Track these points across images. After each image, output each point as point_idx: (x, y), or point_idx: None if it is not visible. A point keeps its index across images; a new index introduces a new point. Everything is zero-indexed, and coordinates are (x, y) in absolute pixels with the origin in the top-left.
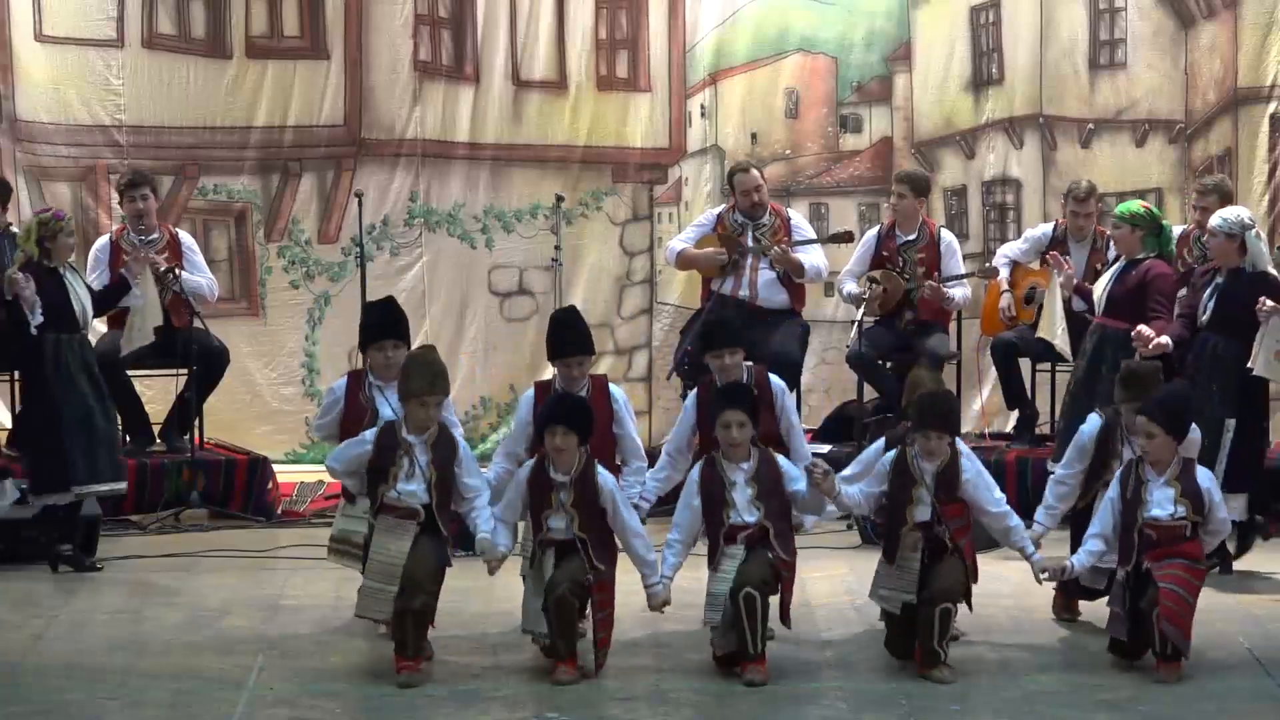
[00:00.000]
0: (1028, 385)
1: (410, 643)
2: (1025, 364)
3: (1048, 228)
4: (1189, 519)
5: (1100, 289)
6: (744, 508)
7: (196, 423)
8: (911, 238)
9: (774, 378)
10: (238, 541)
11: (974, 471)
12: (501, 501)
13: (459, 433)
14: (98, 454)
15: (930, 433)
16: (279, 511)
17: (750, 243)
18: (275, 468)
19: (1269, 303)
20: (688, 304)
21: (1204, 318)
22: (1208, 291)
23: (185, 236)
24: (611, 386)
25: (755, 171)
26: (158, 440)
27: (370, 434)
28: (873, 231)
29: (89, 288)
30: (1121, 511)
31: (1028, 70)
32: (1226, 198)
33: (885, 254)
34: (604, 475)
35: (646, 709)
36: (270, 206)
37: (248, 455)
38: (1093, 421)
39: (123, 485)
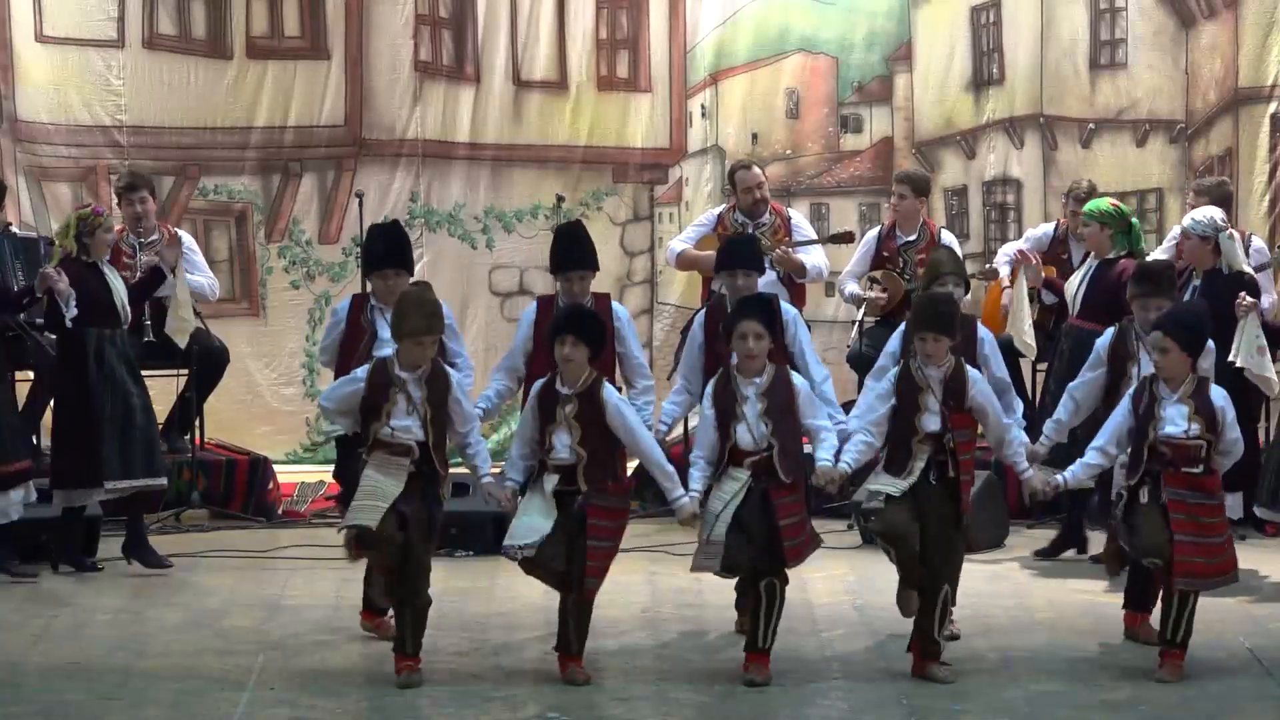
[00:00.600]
0: (1028, 385)
1: (410, 639)
2: (1025, 364)
3: (1049, 227)
4: (1203, 437)
5: (1073, 289)
6: (753, 423)
7: (197, 423)
8: (912, 238)
9: (786, 305)
10: (238, 542)
11: (981, 380)
12: (516, 433)
13: (455, 374)
14: (133, 449)
15: (926, 334)
16: (280, 512)
17: None
18: (276, 468)
19: (1248, 298)
20: (688, 304)
21: None
22: (1185, 295)
23: (185, 236)
24: (615, 304)
25: (757, 169)
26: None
27: (362, 371)
28: (873, 232)
29: (125, 280)
30: (1133, 429)
31: (1028, 70)
32: (1223, 201)
33: (886, 254)
34: (610, 391)
35: (648, 709)
36: (271, 207)
37: (248, 455)
38: (1108, 332)
39: (161, 481)
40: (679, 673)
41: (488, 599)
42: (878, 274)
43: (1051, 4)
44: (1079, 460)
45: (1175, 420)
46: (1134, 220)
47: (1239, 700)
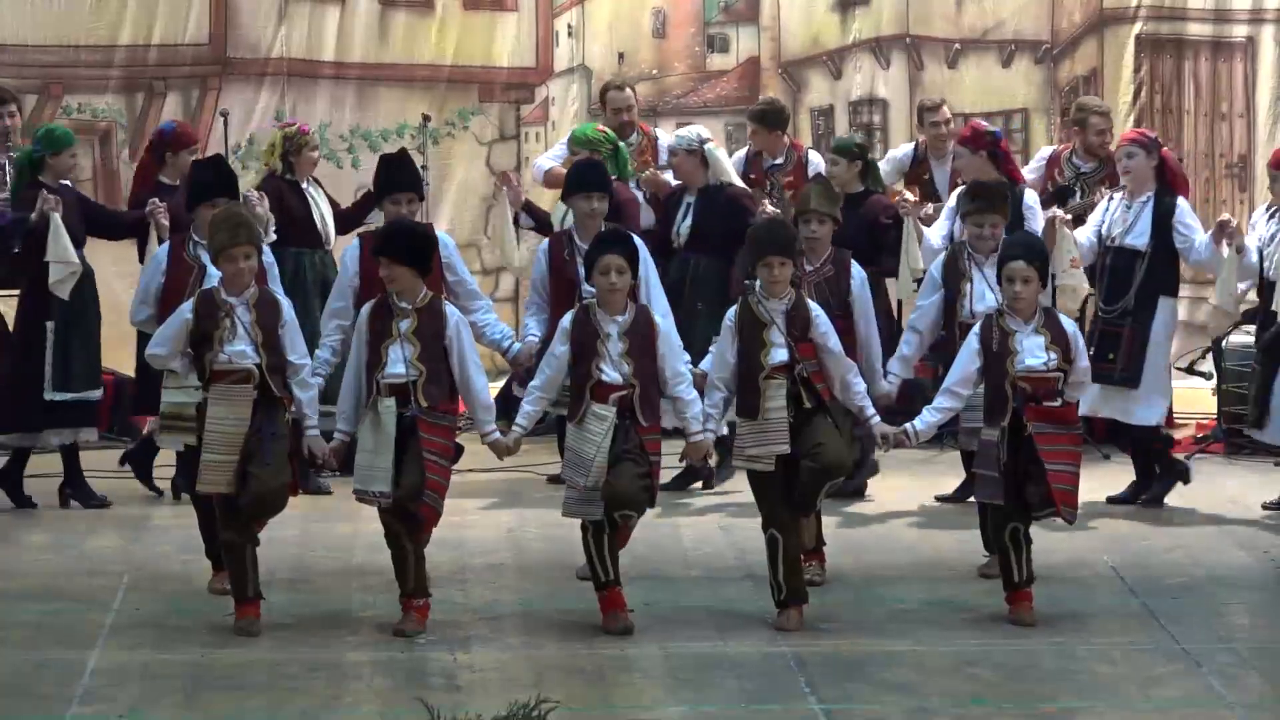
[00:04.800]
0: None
1: (252, 580)
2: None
3: (909, 148)
4: (1061, 367)
5: (677, 225)
6: (615, 361)
7: None
8: (779, 161)
9: (638, 239)
10: (102, 462)
11: (823, 315)
12: (345, 376)
13: (286, 302)
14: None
15: (771, 259)
16: (144, 432)
17: None
18: None
19: (909, 197)
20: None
21: (680, 240)
22: (680, 213)
23: None
24: (440, 233)
25: (629, 91)
26: None
27: (187, 305)
28: (741, 153)
29: (334, 203)
30: (986, 367)
31: None
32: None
33: (753, 178)
34: (451, 309)
35: (512, 626)
36: (135, 125)
37: (113, 376)
38: (940, 256)
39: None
40: (544, 594)
41: (354, 519)
42: None
43: None
44: (927, 407)
45: (1034, 352)
46: (621, 145)
47: (1101, 615)
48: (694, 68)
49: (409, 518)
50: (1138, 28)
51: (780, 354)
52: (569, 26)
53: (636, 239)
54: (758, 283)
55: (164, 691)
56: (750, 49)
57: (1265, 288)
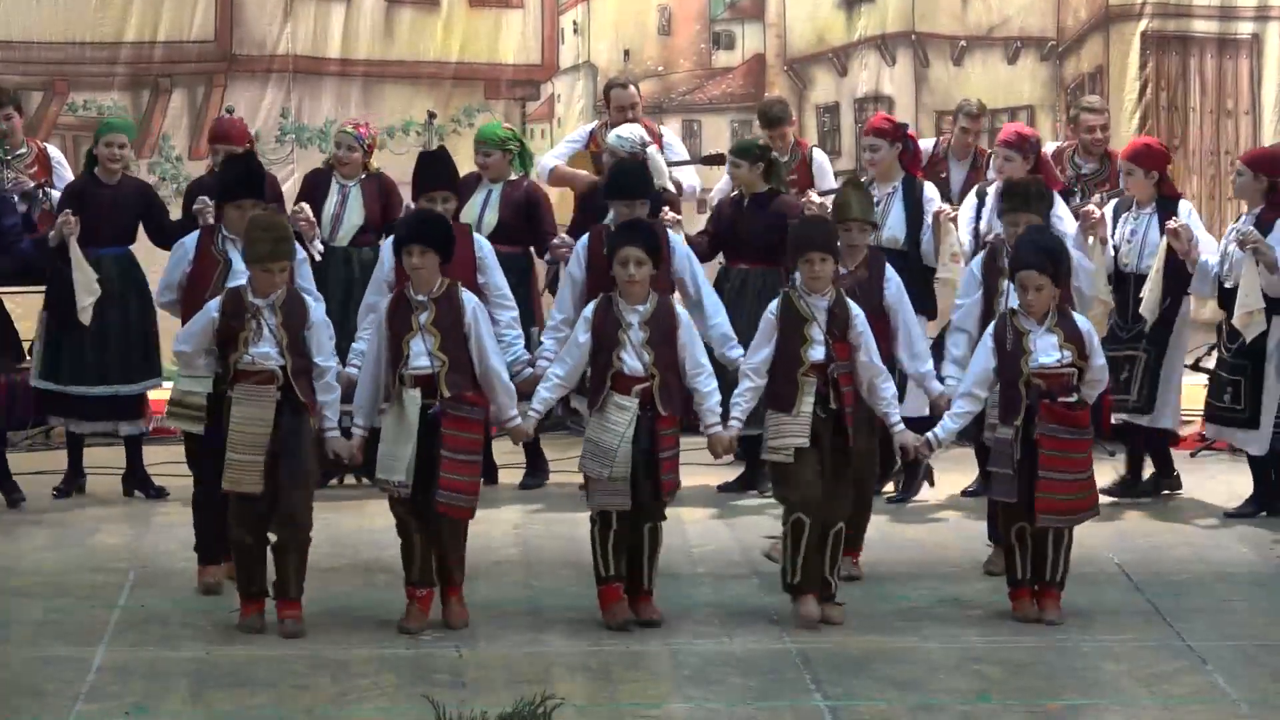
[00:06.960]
0: None
1: (259, 579)
2: None
3: (928, 144)
4: (1075, 364)
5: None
6: (636, 350)
7: None
8: (785, 158)
9: (673, 233)
10: (108, 458)
11: (862, 315)
12: (362, 372)
13: (317, 305)
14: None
15: (813, 255)
16: (149, 429)
17: None
18: None
19: (815, 200)
20: (559, 221)
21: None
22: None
23: (54, 151)
24: (477, 235)
25: (633, 88)
26: (27, 357)
27: (214, 304)
28: None
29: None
30: (1001, 367)
31: None
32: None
33: None
34: (468, 295)
35: (518, 623)
36: (140, 123)
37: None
38: (979, 254)
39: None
40: (551, 589)
41: (359, 516)
42: None
43: None
44: (948, 413)
45: (1047, 350)
46: (527, 143)
47: (1107, 612)
48: (699, 65)
49: (422, 512)
50: (1143, 24)
51: (819, 351)
52: (574, 23)
53: (674, 235)
54: (797, 277)
55: (169, 688)
56: (756, 46)
57: (1125, 281)
